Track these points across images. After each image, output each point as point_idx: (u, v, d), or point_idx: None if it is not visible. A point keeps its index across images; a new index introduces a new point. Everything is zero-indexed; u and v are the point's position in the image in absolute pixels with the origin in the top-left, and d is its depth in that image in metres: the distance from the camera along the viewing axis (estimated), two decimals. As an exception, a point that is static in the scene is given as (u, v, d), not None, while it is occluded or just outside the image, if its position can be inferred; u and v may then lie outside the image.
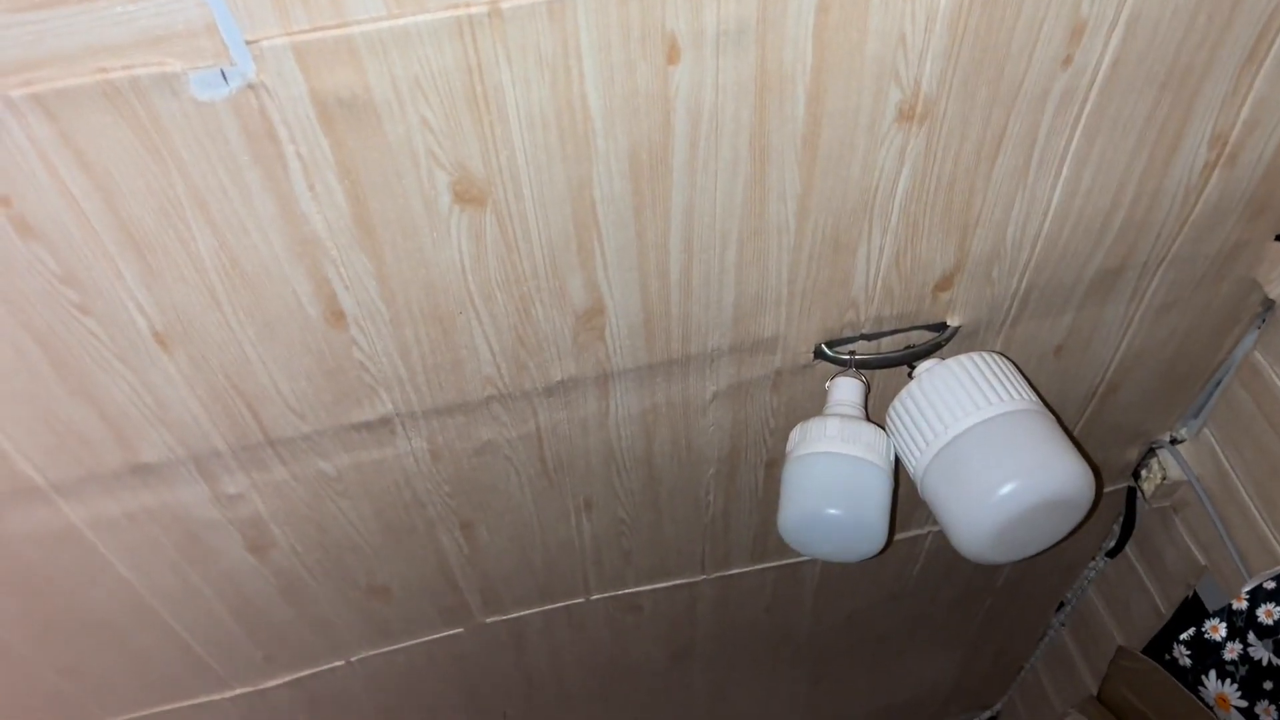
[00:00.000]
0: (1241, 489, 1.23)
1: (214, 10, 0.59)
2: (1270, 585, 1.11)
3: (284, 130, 0.67)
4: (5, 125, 0.61)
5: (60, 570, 1.00)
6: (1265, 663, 1.10)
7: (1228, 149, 0.90)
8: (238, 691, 1.30)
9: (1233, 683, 1.14)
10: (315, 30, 0.62)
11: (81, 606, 1.06)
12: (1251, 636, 1.10)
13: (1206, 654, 1.16)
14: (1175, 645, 1.20)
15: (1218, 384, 1.23)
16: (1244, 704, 1.13)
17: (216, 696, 1.29)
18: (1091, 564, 1.62)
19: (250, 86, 0.64)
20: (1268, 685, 1.10)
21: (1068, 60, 0.78)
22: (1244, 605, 1.11)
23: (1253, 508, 1.22)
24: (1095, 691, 1.55)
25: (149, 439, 0.88)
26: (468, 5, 0.63)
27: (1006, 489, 0.88)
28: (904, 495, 1.29)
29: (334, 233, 0.75)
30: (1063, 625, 1.80)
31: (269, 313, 0.80)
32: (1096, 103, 0.82)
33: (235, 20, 0.60)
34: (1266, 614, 1.09)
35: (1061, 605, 1.76)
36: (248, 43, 0.61)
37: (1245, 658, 1.11)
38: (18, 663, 1.11)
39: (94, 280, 0.73)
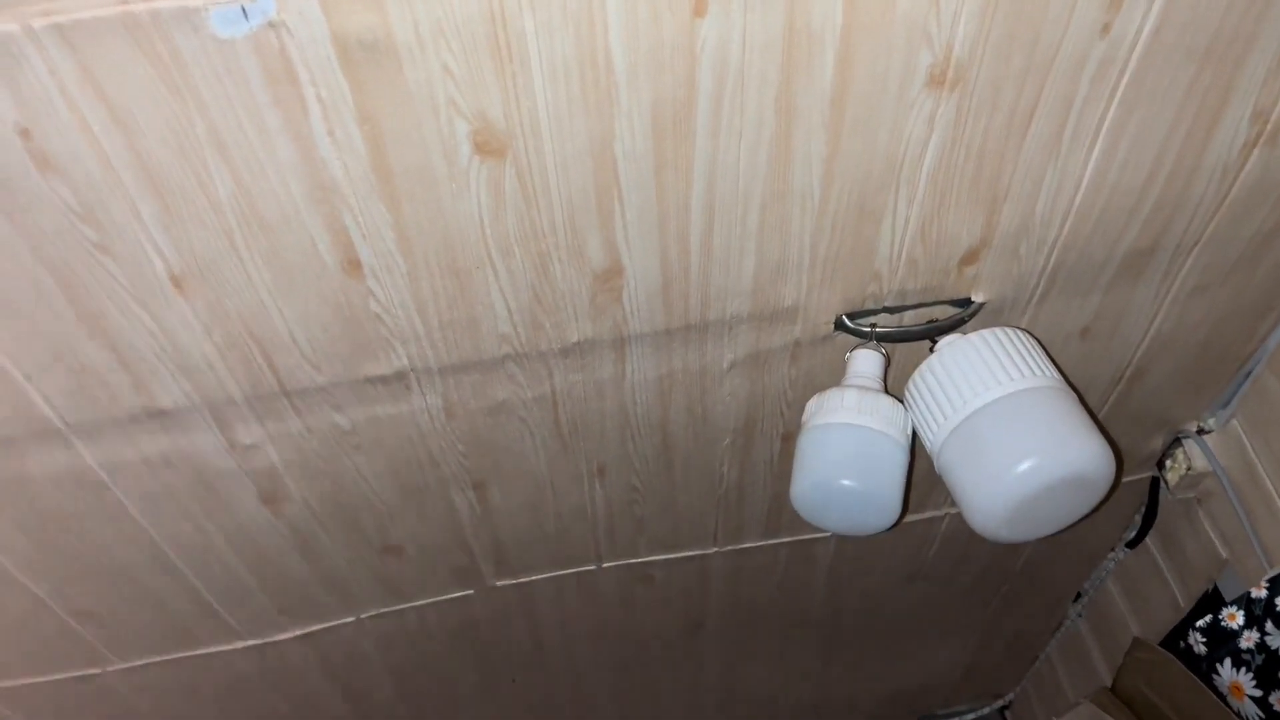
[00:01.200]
0: (1269, 482, 1.21)
1: (236, -56, 0.59)
2: (1292, 576, 1.09)
3: (304, 72, 0.66)
4: (26, 55, 0.61)
5: (77, 513, 1.01)
6: (1283, 652, 1.08)
7: (1269, 127, 0.87)
8: (249, 643, 1.31)
9: (1248, 671, 1.12)
10: (337, -32, 0.61)
11: (97, 551, 1.07)
12: (1269, 625, 1.09)
13: (1222, 641, 1.15)
14: (1190, 631, 1.19)
15: (1249, 374, 1.21)
16: (1259, 693, 1.12)
17: (227, 647, 1.31)
18: (1111, 554, 1.60)
19: (271, 25, 0.63)
20: (1284, 675, 1.09)
21: (1106, 28, 0.76)
22: (1263, 594, 1.09)
23: (1279, 502, 1.19)
24: (1110, 683, 1.53)
25: (165, 384, 0.88)
26: (491, -53, 0.62)
27: (1024, 465, 0.87)
28: (921, 475, 1.27)
29: (352, 180, 0.74)
30: (1080, 616, 1.78)
31: (286, 259, 0.79)
32: (1134, 73, 0.80)
33: (257, -45, 0.59)
34: (1287, 603, 1.07)
35: (1079, 595, 1.74)
36: (269, -21, 0.61)
37: (1262, 646, 1.09)
38: (32, 603, 1.12)
39: (112, 219, 0.73)
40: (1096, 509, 0.95)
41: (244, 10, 0.62)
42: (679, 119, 0.76)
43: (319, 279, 0.82)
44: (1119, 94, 0.81)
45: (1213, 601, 1.31)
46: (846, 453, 0.95)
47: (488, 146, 0.74)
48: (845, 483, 0.94)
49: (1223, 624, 1.14)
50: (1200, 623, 1.18)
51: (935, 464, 0.96)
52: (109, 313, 0.80)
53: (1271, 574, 1.10)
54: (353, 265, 0.81)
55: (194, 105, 0.67)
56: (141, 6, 0.60)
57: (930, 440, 0.96)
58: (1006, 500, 0.88)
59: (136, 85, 0.65)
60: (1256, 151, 0.90)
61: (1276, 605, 1.08)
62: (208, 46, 0.63)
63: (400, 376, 0.94)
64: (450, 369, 0.95)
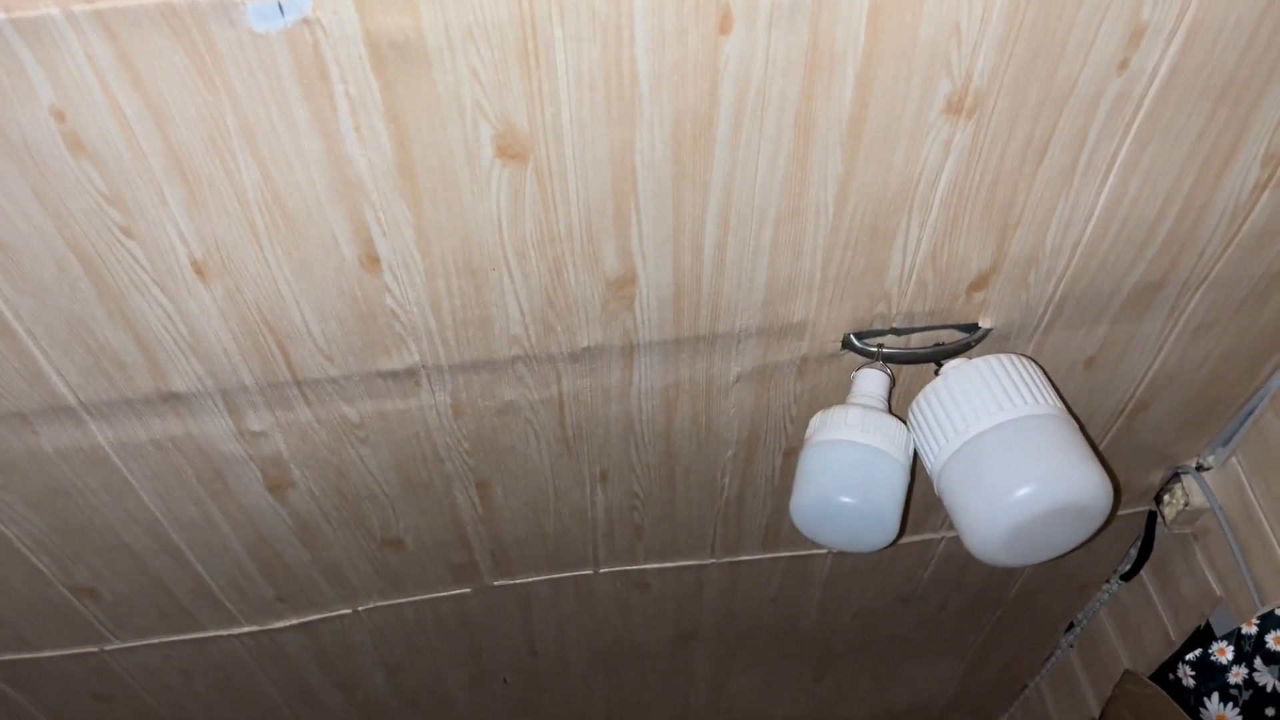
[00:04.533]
0: (1265, 521, 1.21)
1: (276, -58, 0.60)
2: (1284, 615, 1.10)
3: (335, 69, 0.68)
4: (65, 39, 0.63)
5: (85, 491, 1.02)
6: (1270, 689, 1.08)
7: (1280, 170, 0.89)
8: (247, 629, 1.32)
9: (1234, 707, 1.13)
10: (373, -30, 0.63)
11: (103, 529, 1.08)
12: (1258, 662, 1.09)
13: (1211, 676, 1.15)
14: (1180, 665, 1.19)
15: (1250, 413, 1.21)
16: (1244, 728, 1.12)
17: (225, 632, 1.32)
18: (1105, 586, 1.61)
19: (305, 21, 0.64)
20: (1270, 712, 1.09)
21: (1124, 64, 0.77)
22: (1253, 630, 1.10)
23: (1275, 541, 1.20)
24: (1097, 714, 1.54)
25: (180, 368, 0.90)
26: (525, -43, 0.63)
27: (1023, 491, 0.88)
28: (919, 498, 1.28)
29: (376, 177, 0.76)
30: (1071, 646, 1.78)
31: (306, 252, 0.81)
32: (1150, 110, 0.81)
33: (296, -47, 0.61)
34: (1276, 640, 1.07)
35: (1071, 625, 1.75)
36: (307, -23, 0.62)
37: (1250, 682, 1.09)
38: (35, 578, 1.14)
39: (139, 204, 0.74)
40: (1093, 539, 0.96)
41: (280, 6, 0.63)
42: (699, 132, 0.77)
43: (337, 272, 0.83)
44: (1133, 130, 0.82)
45: (1204, 637, 1.32)
46: (847, 470, 0.95)
47: (510, 150, 0.75)
48: (845, 499, 0.95)
49: (1212, 659, 1.14)
50: (1190, 656, 1.18)
51: (935, 485, 0.97)
52: (129, 294, 0.82)
53: (1263, 611, 1.11)
54: (371, 260, 0.83)
55: (226, 96, 0.68)
56: (181, -2, 0.62)
57: (931, 462, 0.97)
58: (1003, 524, 0.89)
59: (171, 74, 0.66)
60: (1267, 193, 0.90)
61: (1266, 642, 1.08)
62: (243, 40, 0.65)
63: (411, 372, 0.95)
64: (460, 367, 0.96)
